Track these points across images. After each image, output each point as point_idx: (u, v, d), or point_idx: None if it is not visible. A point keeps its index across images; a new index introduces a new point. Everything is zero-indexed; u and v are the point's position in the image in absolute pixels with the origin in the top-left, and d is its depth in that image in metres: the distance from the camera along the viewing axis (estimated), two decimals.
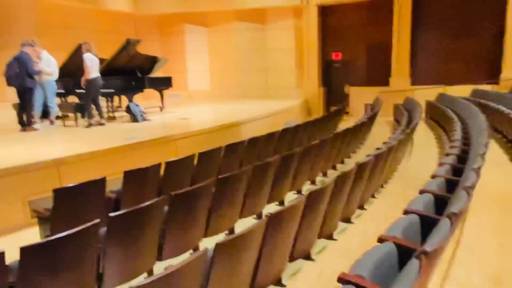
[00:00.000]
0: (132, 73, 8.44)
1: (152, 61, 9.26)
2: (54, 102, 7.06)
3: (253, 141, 5.07)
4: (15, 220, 3.72)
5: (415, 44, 12.19)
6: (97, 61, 7.11)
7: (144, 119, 7.58)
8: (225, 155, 4.46)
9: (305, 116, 12.67)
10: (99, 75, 7.08)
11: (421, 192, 2.48)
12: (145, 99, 11.85)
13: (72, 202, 3.04)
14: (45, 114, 7.03)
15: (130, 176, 3.45)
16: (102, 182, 3.19)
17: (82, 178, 3.21)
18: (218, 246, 1.75)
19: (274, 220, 2.10)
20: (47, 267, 2.00)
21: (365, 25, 12.84)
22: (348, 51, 13.36)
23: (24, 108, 6.50)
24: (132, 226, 2.42)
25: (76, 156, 4.48)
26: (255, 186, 3.41)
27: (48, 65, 6.81)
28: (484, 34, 11.23)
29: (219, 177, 3.06)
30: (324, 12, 13.46)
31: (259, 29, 14.05)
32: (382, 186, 4.41)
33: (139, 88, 8.03)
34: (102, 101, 8.06)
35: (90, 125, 6.93)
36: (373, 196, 4.01)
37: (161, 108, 9.57)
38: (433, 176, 2.85)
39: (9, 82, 6.28)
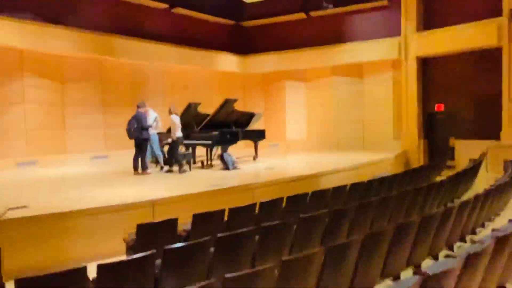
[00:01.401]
0: (229, 126, 9.62)
1: (249, 116, 10.42)
2: (160, 151, 8.49)
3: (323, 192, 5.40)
4: (117, 247, 4.69)
5: None
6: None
7: (235, 168, 8.53)
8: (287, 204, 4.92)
9: (401, 169, 12.24)
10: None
11: None
12: (247, 147, 13.14)
13: (152, 236, 3.86)
14: (156, 161, 8.54)
15: (198, 218, 4.17)
16: (174, 221, 3.98)
17: (171, 215, 4.03)
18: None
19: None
20: (115, 281, 2.73)
21: (470, 75, 12.15)
22: (453, 102, 12.69)
23: (139, 156, 8.04)
24: (184, 260, 3.03)
25: (168, 198, 5.48)
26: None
27: (153, 121, 8.35)
28: None
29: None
30: (425, 63, 13.22)
31: (356, 83, 14.41)
32: None
33: (233, 141, 9.11)
34: (202, 151, 9.38)
35: (184, 171, 8.18)
36: None
37: (255, 158, 10.49)
38: None
39: (130, 136, 7.92)
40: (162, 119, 10.09)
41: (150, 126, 8.06)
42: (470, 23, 11.57)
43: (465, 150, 12.00)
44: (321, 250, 2.65)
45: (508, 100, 11.19)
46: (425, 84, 13.25)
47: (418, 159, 13.05)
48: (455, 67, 12.54)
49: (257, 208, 4.65)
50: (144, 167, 8.10)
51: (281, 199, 4.83)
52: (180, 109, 10.16)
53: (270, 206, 4.78)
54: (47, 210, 4.82)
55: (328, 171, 8.12)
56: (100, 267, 2.71)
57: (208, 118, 9.27)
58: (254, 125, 10.73)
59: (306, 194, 5.16)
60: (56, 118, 11.06)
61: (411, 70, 13.06)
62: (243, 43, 16.01)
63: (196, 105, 9.93)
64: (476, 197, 4.52)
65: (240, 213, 4.49)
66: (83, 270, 2.63)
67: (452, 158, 12.43)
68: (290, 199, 4.93)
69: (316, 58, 14.54)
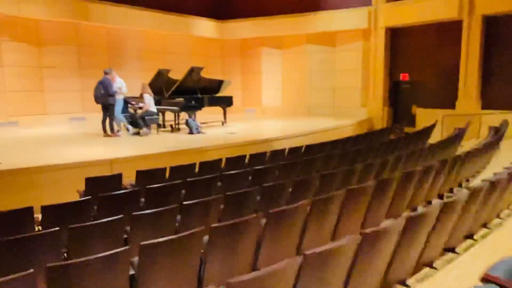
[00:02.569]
0: (197, 93, 10.24)
1: (218, 83, 11.00)
2: (120, 114, 9.11)
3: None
4: (75, 198, 5.46)
5: (488, 67, 11.68)
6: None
7: (199, 132, 9.26)
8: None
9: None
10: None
11: None
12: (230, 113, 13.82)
13: (99, 187, 4.63)
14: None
15: (142, 174, 4.95)
16: (119, 176, 4.75)
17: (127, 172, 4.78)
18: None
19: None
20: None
21: (434, 47, 12.71)
22: (417, 73, 13.32)
23: (107, 119, 8.72)
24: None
25: (124, 158, 6.24)
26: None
27: (121, 88, 8.94)
28: None
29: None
30: (394, 34, 13.68)
31: (329, 51, 14.89)
32: (499, 217, 4.12)
33: (198, 107, 9.76)
34: (171, 116, 10.08)
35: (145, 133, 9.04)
36: (485, 226, 3.75)
37: (223, 123, 11.21)
38: None
39: (96, 101, 8.55)
40: (134, 83, 10.69)
41: (115, 92, 8.64)
42: None
43: (425, 118, 12.78)
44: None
45: (464, 71, 11.86)
46: (393, 54, 13.79)
47: (381, 126, 13.84)
48: (420, 38, 13.07)
49: (197, 167, 5.43)
50: (112, 129, 8.81)
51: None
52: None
53: (211, 164, 5.56)
54: (17, 166, 5.57)
55: (284, 136, 8.91)
56: (44, 208, 3.48)
57: (175, 85, 9.84)
58: (223, 92, 11.33)
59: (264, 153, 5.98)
60: (35, 80, 11.55)
61: (380, 40, 13.55)
62: (221, 9, 16.22)
63: (167, 71, 10.46)
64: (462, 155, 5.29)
65: (180, 171, 5.26)
66: (30, 209, 3.41)
67: (413, 125, 13.23)
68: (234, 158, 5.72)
69: (292, 25, 14.90)
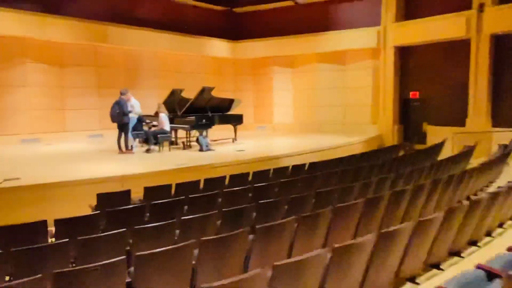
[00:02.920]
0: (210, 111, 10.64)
1: (229, 102, 11.40)
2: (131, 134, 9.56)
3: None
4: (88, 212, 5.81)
5: (498, 85, 11.71)
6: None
7: (209, 149, 9.60)
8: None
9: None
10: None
11: None
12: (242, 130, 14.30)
13: (110, 202, 4.96)
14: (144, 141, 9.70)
15: (150, 190, 5.26)
16: (128, 192, 5.08)
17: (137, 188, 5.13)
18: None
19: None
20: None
21: (443, 65, 12.83)
22: (427, 90, 13.42)
23: (122, 137, 9.18)
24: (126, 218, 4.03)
25: (135, 174, 6.60)
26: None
27: (134, 107, 9.42)
28: None
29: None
30: (403, 52, 13.88)
31: (339, 69, 15.17)
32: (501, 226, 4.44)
33: (208, 125, 10.14)
34: (183, 133, 10.48)
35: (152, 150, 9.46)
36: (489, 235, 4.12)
37: (234, 140, 11.54)
38: None
39: (112, 119, 9.03)
40: (150, 102, 11.22)
41: (130, 112, 9.11)
42: (443, 15, 12.16)
43: (436, 136, 12.81)
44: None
45: (474, 89, 11.91)
46: (402, 72, 13.96)
47: (392, 143, 13.90)
48: (429, 56, 13.22)
49: (201, 184, 5.73)
50: (127, 147, 9.24)
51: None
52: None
53: (215, 181, 5.85)
54: (35, 181, 5.98)
55: (290, 153, 9.16)
56: (57, 221, 3.82)
57: (187, 104, 10.26)
58: (234, 110, 11.69)
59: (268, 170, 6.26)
60: (56, 99, 12.20)
61: (389, 58, 13.77)
62: (234, 29, 16.78)
63: (180, 91, 10.93)
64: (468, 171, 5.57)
65: (186, 187, 5.56)
66: (44, 222, 3.75)
67: (424, 143, 13.26)
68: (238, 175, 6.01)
69: (302, 45, 15.29)
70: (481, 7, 11.51)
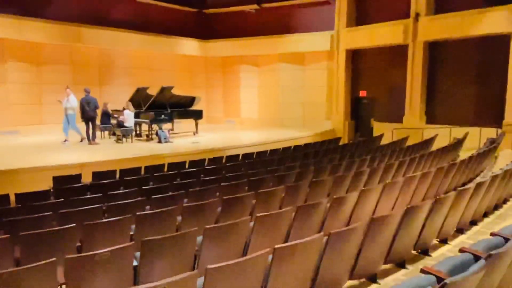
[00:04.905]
0: (174, 107, 11.97)
1: (191, 99, 12.71)
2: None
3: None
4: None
5: (431, 87, 13.16)
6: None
7: (167, 141, 10.93)
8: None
9: None
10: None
11: None
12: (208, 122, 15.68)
13: (63, 184, 6.26)
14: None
15: (96, 174, 6.58)
16: (79, 176, 6.39)
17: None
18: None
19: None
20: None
21: (386, 68, 14.27)
22: (373, 90, 14.86)
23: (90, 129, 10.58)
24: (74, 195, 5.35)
25: (93, 162, 7.90)
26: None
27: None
28: (492, 82, 11.77)
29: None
30: (354, 55, 15.27)
31: (299, 69, 16.53)
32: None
33: (168, 120, 11.47)
34: (145, 127, 11.79)
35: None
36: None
37: (194, 133, 12.88)
38: None
39: (86, 115, 10.52)
40: (122, 98, 12.58)
41: (97, 108, 10.49)
42: (385, 22, 13.54)
43: (380, 130, 14.29)
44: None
45: (410, 90, 13.36)
46: (353, 73, 15.36)
47: (343, 137, 15.36)
48: (375, 60, 14.64)
49: (142, 171, 7.06)
50: (94, 138, 10.57)
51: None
52: (153, 89, 12.34)
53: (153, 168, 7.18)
54: (6, 167, 7.26)
55: (240, 145, 10.57)
56: (17, 195, 5.12)
57: (149, 102, 11.56)
58: (195, 106, 13.01)
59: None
60: (34, 95, 13.37)
61: (341, 60, 15.15)
62: (205, 30, 17.99)
63: (145, 88, 12.17)
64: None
65: (129, 173, 6.88)
66: (7, 195, 5.05)
67: (371, 136, 14.71)
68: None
69: (265, 46, 16.59)
70: (416, 17, 12.91)
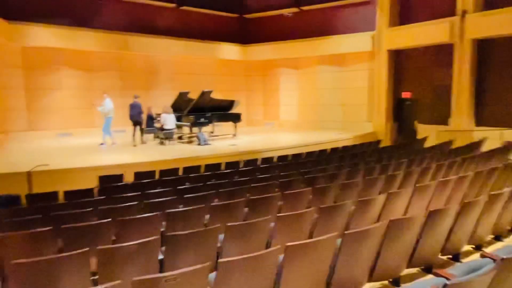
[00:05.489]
0: (215, 110, 12.39)
1: (230, 102, 13.03)
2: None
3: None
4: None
5: (480, 87, 12.48)
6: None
7: (206, 144, 11.28)
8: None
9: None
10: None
11: None
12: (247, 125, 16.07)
13: (108, 182, 6.72)
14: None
15: (138, 174, 6.98)
16: (121, 176, 6.82)
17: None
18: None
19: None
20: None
21: (430, 68, 13.72)
22: (417, 91, 14.35)
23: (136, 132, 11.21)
24: (117, 192, 5.76)
25: (135, 163, 8.37)
26: None
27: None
28: None
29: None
30: (397, 55, 14.84)
31: (339, 71, 16.35)
32: None
33: (207, 123, 11.85)
34: (186, 130, 12.24)
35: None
36: None
37: (233, 135, 13.18)
38: None
39: (131, 118, 11.24)
40: (165, 103, 13.16)
41: (142, 113, 11.14)
42: (430, 21, 13.05)
43: (424, 133, 13.78)
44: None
45: (457, 90, 12.75)
46: (396, 73, 14.92)
47: (385, 140, 14.96)
48: (419, 59, 14.14)
49: (180, 171, 7.38)
50: (141, 140, 11.36)
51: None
52: (195, 93, 12.84)
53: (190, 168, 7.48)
54: (58, 167, 7.91)
55: (276, 147, 10.69)
56: (65, 192, 5.59)
57: (190, 106, 12.02)
58: (234, 110, 13.32)
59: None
60: (86, 100, 14.33)
61: (383, 61, 14.78)
62: (245, 34, 18.33)
63: (186, 93, 12.66)
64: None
65: (169, 173, 7.24)
66: (56, 193, 5.54)
67: (415, 139, 14.22)
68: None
69: (305, 48, 16.59)
70: (463, 14, 12.32)
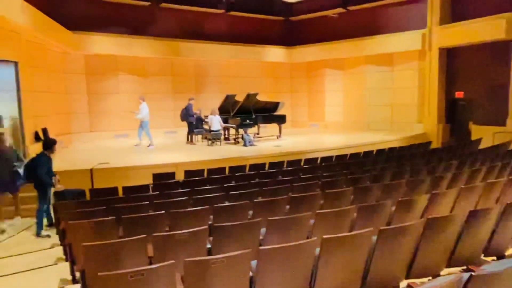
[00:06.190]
0: (260, 112, 12.73)
1: (275, 104, 13.28)
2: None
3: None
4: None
5: None
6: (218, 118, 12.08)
7: (251, 145, 11.60)
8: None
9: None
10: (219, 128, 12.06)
11: None
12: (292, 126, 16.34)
13: (160, 179, 7.22)
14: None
15: (188, 173, 7.43)
16: (173, 173, 7.31)
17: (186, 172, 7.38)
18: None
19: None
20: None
21: (485, 66, 13.05)
22: (471, 91, 13.71)
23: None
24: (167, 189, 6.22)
25: (186, 162, 8.87)
26: None
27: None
28: None
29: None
30: (449, 53, 14.26)
31: (386, 71, 16.00)
32: None
33: (252, 124, 12.18)
34: (233, 131, 12.66)
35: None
36: None
37: (278, 137, 13.41)
38: None
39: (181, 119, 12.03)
40: (215, 104, 13.71)
41: (193, 114, 11.81)
42: (484, 17, 12.43)
43: (479, 134, 13.13)
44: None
45: None
46: (448, 72, 14.35)
47: (436, 141, 14.42)
48: (472, 57, 13.50)
49: (227, 170, 7.74)
50: (191, 140, 12.16)
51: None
52: (241, 95, 13.30)
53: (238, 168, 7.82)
54: (117, 165, 8.60)
55: (320, 148, 10.76)
56: (124, 187, 6.14)
57: (236, 108, 12.42)
58: (279, 111, 13.54)
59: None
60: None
61: (434, 60, 14.28)
62: (290, 36, 18.50)
63: (233, 95, 13.09)
64: None
65: (216, 172, 7.62)
66: (115, 188, 6.10)
67: (469, 140, 13.59)
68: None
69: (351, 48, 16.43)
70: None
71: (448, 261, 3.42)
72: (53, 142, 6.82)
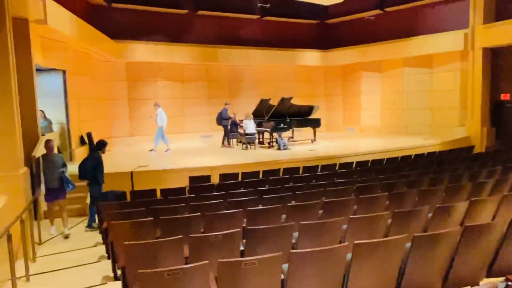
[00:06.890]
0: (294, 116, 12.75)
1: (309, 108, 13.24)
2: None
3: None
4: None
5: None
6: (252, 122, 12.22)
7: (285, 149, 11.62)
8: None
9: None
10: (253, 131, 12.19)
11: None
12: (327, 130, 16.28)
13: (197, 182, 7.42)
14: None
15: (223, 176, 7.59)
16: (208, 177, 7.49)
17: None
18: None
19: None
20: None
21: None
22: None
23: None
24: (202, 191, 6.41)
25: (220, 165, 9.05)
26: None
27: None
28: None
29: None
30: (494, 54, 13.61)
31: (426, 73, 15.50)
32: None
33: (287, 128, 12.18)
34: (267, 135, 12.75)
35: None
36: None
37: (312, 141, 13.33)
38: None
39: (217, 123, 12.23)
40: (249, 109, 13.89)
41: (228, 118, 11.99)
42: None
43: None
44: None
45: None
46: (493, 74, 13.68)
47: (480, 146, 13.77)
48: None
49: (261, 174, 7.82)
50: (226, 143, 12.39)
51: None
52: (275, 99, 13.41)
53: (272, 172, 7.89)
54: (155, 168, 8.93)
55: (355, 153, 10.58)
56: (161, 190, 6.37)
57: (270, 112, 12.50)
58: (314, 115, 13.47)
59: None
60: (178, 108, 15.74)
61: (477, 60, 13.66)
62: (325, 39, 18.36)
63: (267, 100, 13.19)
64: None
65: (250, 176, 7.73)
66: (154, 190, 6.34)
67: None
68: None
69: (389, 51, 16.06)
70: None
71: (487, 270, 3.30)
72: (105, 143, 7.46)
